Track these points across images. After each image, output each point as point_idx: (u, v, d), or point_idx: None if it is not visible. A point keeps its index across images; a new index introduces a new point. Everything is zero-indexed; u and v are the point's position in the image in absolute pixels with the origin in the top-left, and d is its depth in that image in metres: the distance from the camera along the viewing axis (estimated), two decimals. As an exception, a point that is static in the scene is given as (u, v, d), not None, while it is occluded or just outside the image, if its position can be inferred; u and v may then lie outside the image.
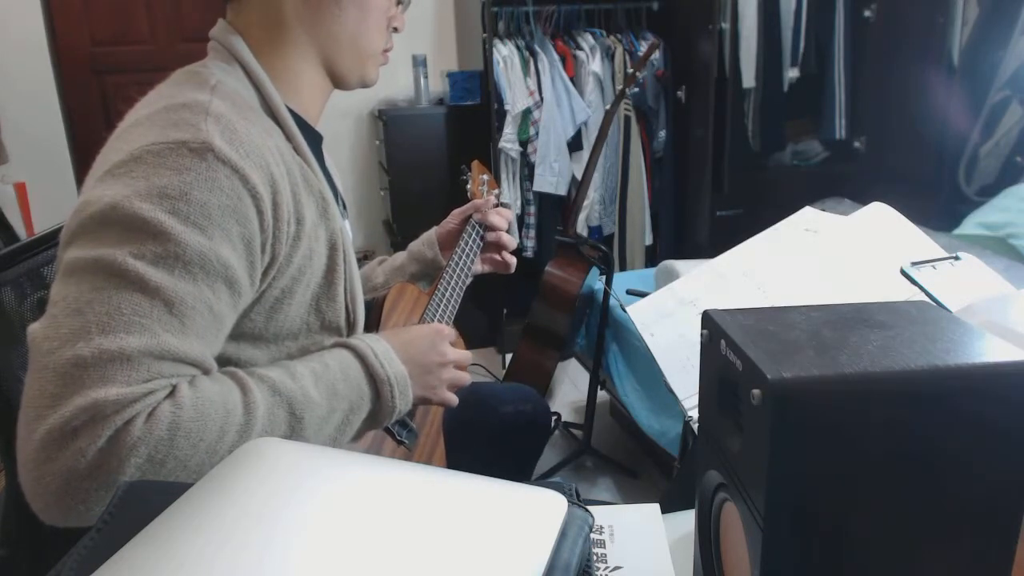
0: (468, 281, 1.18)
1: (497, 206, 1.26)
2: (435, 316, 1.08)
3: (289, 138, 0.84)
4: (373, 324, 1.03)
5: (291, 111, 0.86)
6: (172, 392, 0.67)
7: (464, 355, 0.96)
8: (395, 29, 0.95)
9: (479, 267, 1.23)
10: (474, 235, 1.20)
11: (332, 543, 0.41)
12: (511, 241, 1.24)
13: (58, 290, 0.67)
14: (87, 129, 3.28)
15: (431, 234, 1.25)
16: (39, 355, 0.64)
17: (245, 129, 0.74)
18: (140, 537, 0.43)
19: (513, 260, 1.25)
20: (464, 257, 1.17)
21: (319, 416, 0.77)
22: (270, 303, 0.80)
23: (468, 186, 1.35)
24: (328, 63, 0.91)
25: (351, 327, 0.90)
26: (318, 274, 0.84)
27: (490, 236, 1.22)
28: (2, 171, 3.00)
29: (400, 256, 1.26)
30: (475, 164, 1.38)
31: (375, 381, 0.83)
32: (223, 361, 0.78)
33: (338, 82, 0.94)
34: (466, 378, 0.97)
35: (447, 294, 1.12)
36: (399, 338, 0.89)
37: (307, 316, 0.84)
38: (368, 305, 1.01)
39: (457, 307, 1.13)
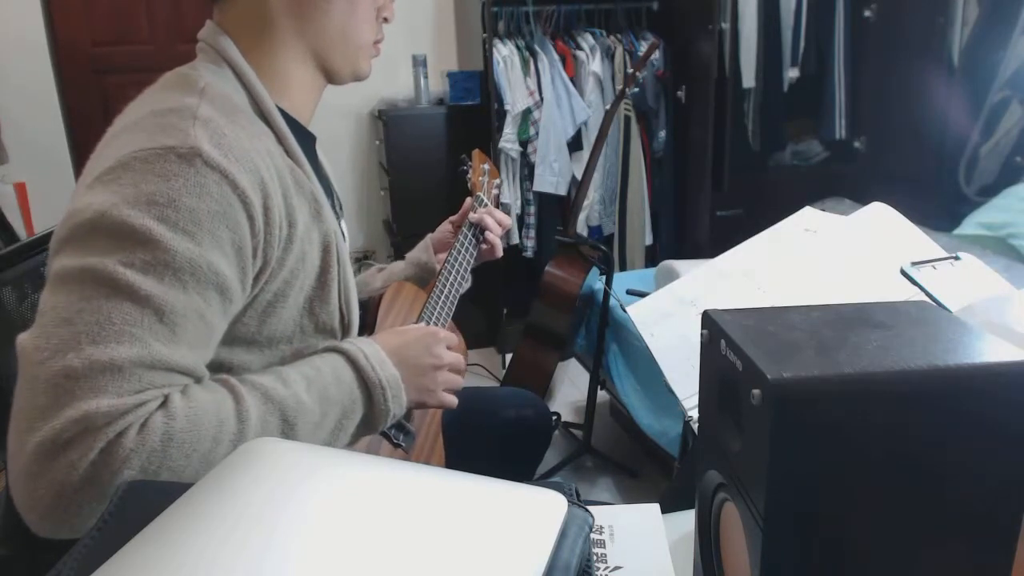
0: (465, 283, 1.17)
1: (498, 206, 1.25)
2: (432, 317, 1.08)
3: (280, 140, 0.83)
4: (369, 324, 1.03)
5: (282, 112, 0.85)
6: (164, 402, 0.66)
7: (458, 357, 0.95)
8: (385, 20, 0.94)
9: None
10: (470, 236, 1.20)
11: (331, 543, 0.41)
12: (494, 225, 1.22)
13: (47, 299, 0.66)
14: (87, 129, 3.28)
15: (427, 239, 1.25)
16: (29, 365, 0.64)
17: (234, 133, 0.73)
18: (140, 537, 0.43)
19: (498, 242, 1.22)
20: (460, 258, 1.16)
21: (312, 422, 0.76)
22: (262, 307, 0.79)
23: (468, 176, 1.33)
24: (319, 58, 0.89)
25: (345, 329, 0.90)
26: (311, 276, 0.83)
27: (473, 216, 1.21)
28: (2, 171, 2.99)
29: (398, 264, 1.25)
30: (476, 153, 1.36)
31: (367, 385, 0.82)
32: (216, 366, 0.77)
33: (330, 77, 0.93)
34: (460, 381, 0.96)
35: (444, 294, 1.11)
36: (392, 341, 0.88)
37: (300, 319, 0.84)
38: (364, 305, 1.00)
39: (454, 308, 1.12)
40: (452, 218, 1.27)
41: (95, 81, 3.27)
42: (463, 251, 1.18)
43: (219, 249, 0.70)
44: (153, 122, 0.72)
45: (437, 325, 1.07)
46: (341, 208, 1.01)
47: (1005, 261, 1.30)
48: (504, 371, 2.44)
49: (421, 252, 1.23)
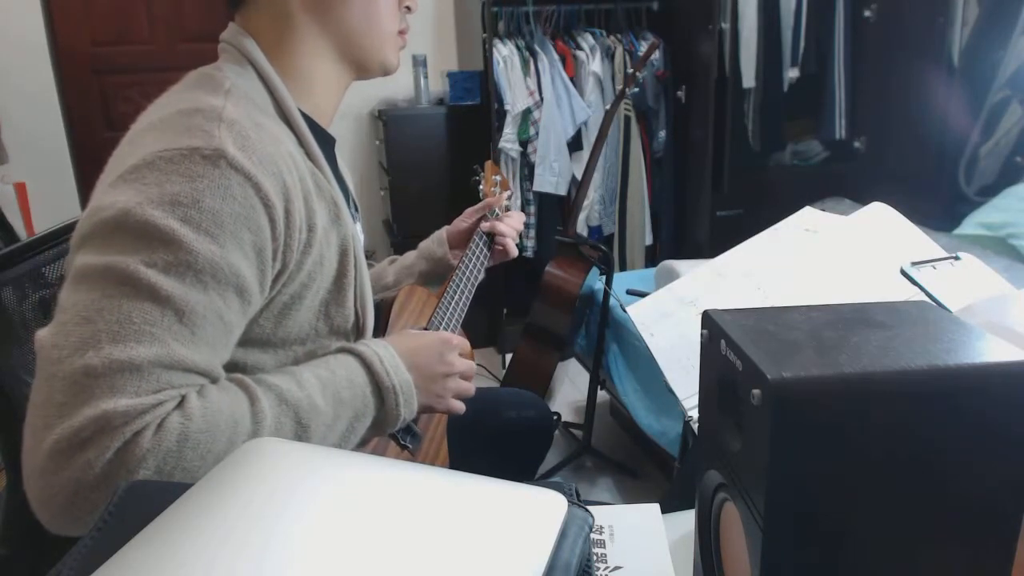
0: (475, 287, 1.18)
1: (508, 209, 1.26)
2: (442, 322, 1.08)
3: (302, 143, 0.83)
4: (381, 327, 1.03)
5: (304, 114, 0.85)
6: (181, 403, 0.67)
7: (469, 365, 0.95)
8: (408, 8, 0.93)
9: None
10: (481, 244, 1.21)
11: (332, 543, 0.41)
12: (507, 229, 1.23)
13: (67, 296, 0.66)
14: (87, 129, 3.28)
15: (441, 232, 1.25)
16: (48, 363, 0.64)
17: (258, 136, 0.74)
18: (140, 537, 0.43)
19: (510, 244, 1.24)
20: (472, 263, 1.17)
21: (324, 424, 0.76)
22: (279, 309, 0.79)
23: (480, 187, 1.35)
24: (344, 52, 0.89)
25: (360, 332, 0.90)
26: (328, 280, 0.83)
27: (484, 225, 1.23)
28: (2, 171, 3.00)
29: (410, 255, 1.25)
30: (488, 164, 1.39)
31: (380, 389, 0.82)
32: (230, 366, 0.77)
33: (359, 69, 0.91)
34: (471, 389, 0.96)
35: (455, 299, 1.12)
36: (406, 345, 0.88)
37: (316, 321, 0.84)
38: (377, 306, 1.00)
39: (464, 314, 1.12)
40: (470, 208, 1.26)
41: (95, 81, 3.27)
42: (475, 259, 1.19)
43: (240, 251, 0.70)
44: (179, 122, 0.72)
45: (448, 330, 1.07)
46: (357, 209, 1.00)
47: (1005, 261, 1.30)
48: (504, 371, 2.44)
49: (435, 246, 1.23)
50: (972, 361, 0.49)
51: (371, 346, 0.84)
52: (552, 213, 3.09)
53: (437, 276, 1.22)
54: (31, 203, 3.02)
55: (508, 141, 2.89)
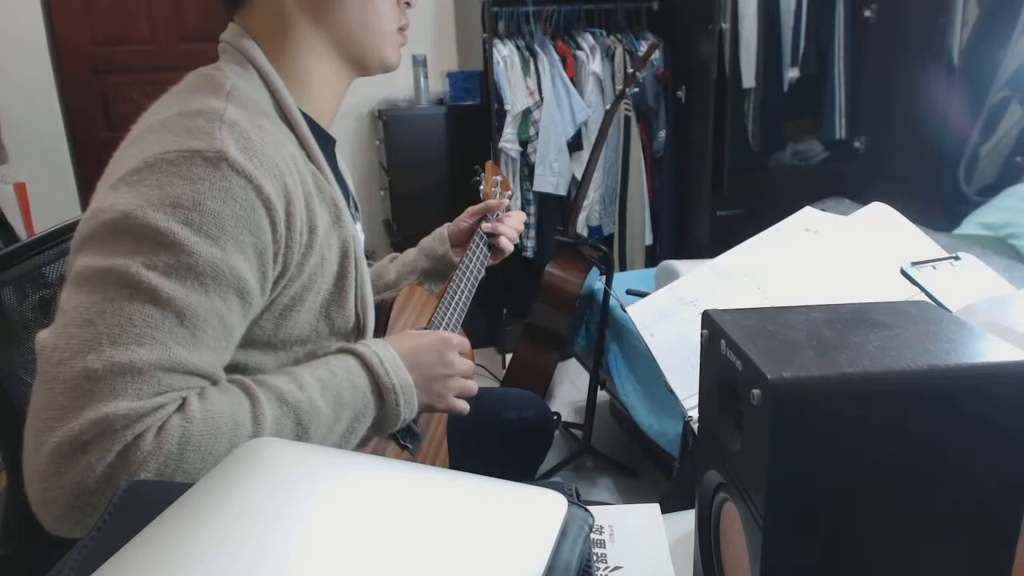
0: (475, 287, 1.18)
1: (508, 209, 1.26)
2: (443, 322, 1.08)
3: (303, 144, 0.83)
4: (381, 327, 1.03)
5: (305, 115, 0.85)
6: (182, 405, 0.67)
7: (467, 364, 0.95)
8: (408, 4, 0.92)
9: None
10: (482, 244, 1.21)
11: (332, 543, 0.41)
12: (508, 230, 1.24)
13: (68, 299, 0.66)
14: (87, 129, 3.28)
15: (442, 230, 1.25)
16: (48, 365, 0.64)
17: (260, 138, 0.73)
18: (140, 537, 0.43)
19: (507, 244, 1.24)
20: (473, 263, 1.17)
21: (325, 425, 0.76)
22: (279, 310, 0.79)
23: (481, 187, 1.34)
24: (342, 51, 0.88)
25: (360, 332, 0.90)
26: (328, 281, 0.83)
27: (486, 226, 1.23)
28: (2, 171, 3.00)
29: (411, 253, 1.25)
30: (488, 165, 1.38)
31: (380, 389, 0.82)
32: (231, 367, 0.77)
33: (359, 67, 0.91)
34: (473, 387, 0.96)
35: (456, 299, 1.12)
36: (406, 345, 0.88)
37: (316, 323, 0.84)
38: (377, 307, 1.00)
39: (464, 313, 1.12)
40: (472, 208, 1.27)
41: (95, 81, 3.27)
42: (476, 259, 1.19)
43: (241, 253, 0.70)
44: (179, 123, 0.72)
45: (448, 330, 1.07)
46: (358, 209, 1.00)
47: (1005, 261, 1.30)
48: (504, 371, 2.44)
49: (437, 244, 1.23)
50: (972, 361, 0.49)
51: (371, 346, 0.84)
52: (552, 213, 3.09)
53: (439, 274, 1.22)
54: (31, 203, 3.02)
55: (508, 141, 2.89)
